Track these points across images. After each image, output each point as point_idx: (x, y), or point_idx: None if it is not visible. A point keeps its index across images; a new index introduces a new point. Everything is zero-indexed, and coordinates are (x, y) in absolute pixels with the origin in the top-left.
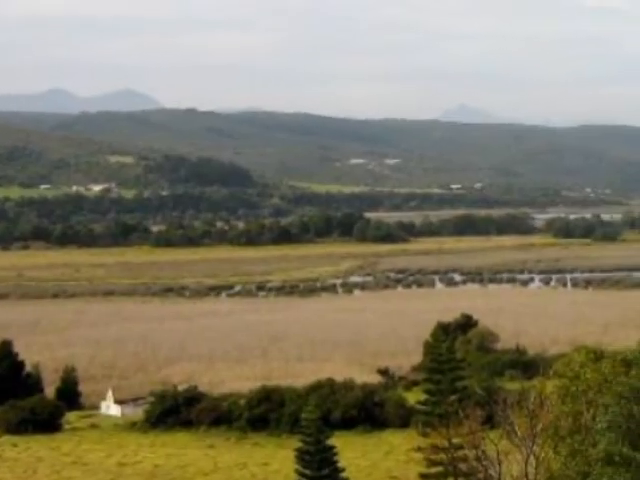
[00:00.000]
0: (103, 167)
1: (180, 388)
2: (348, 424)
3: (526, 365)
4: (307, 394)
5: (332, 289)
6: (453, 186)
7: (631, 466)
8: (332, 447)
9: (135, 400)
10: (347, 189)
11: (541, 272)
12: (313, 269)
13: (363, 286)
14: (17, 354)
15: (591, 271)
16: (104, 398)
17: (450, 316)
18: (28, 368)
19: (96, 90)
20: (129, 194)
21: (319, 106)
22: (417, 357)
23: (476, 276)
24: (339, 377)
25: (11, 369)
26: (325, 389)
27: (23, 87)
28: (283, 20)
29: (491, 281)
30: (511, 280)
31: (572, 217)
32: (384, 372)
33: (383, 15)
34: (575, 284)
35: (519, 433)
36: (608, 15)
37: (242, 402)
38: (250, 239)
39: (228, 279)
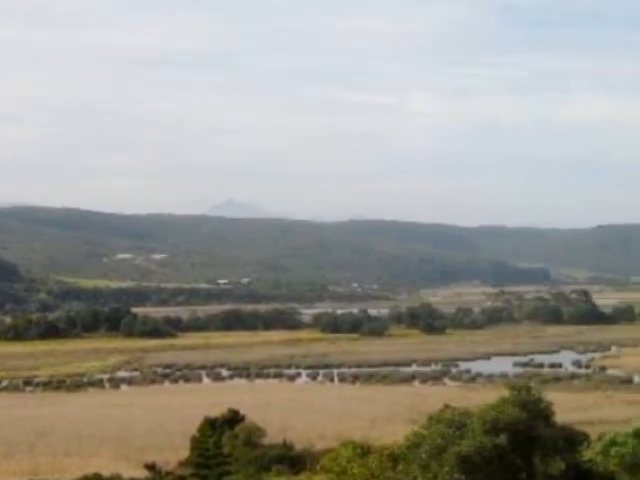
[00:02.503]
0: None
1: None
2: None
3: (293, 460)
4: None
5: (99, 384)
6: (220, 281)
7: None
8: None
9: None
10: (114, 284)
11: (308, 367)
12: (80, 364)
13: (130, 381)
14: None
15: (358, 366)
16: None
17: (217, 411)
18: None
19: None
20: None
21: (87, 201)
22: (184, 452)
23: (243, 371)
24: (106, 472)
25: None
26: None
27: None
28: (48, 115)
29: (258, 376)
30: (278, 375)
31: (339, 312)
32: (151, 467)
33: (150, 110)
34: (342, 379)
35: None
36: (375, 111)
37: None
38: (17, 334)
39: None
